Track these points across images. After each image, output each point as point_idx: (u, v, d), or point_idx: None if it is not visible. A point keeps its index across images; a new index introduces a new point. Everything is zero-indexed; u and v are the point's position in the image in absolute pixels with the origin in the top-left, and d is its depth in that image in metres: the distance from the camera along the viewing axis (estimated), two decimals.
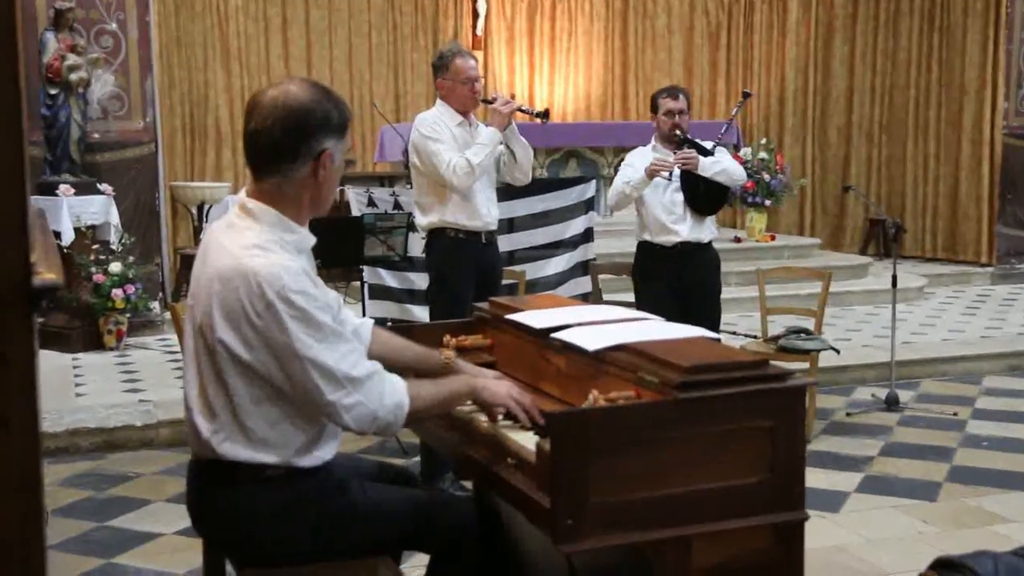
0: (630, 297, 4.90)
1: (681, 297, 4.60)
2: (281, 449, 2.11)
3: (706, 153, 4.64)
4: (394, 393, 2.11)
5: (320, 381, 2.03)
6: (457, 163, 4.09)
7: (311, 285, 2.06)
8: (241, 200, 2.16)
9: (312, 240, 2.18)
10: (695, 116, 10.60)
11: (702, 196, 4.69)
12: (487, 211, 4.28)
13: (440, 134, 4.17)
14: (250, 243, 2.06)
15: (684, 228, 4.67)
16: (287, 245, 2.09)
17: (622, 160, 5.26)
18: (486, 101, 4.31)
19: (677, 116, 4.67)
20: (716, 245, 4.90)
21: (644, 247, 4.80)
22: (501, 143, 4.22)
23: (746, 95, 5.37)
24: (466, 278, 4.22)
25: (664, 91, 4.79)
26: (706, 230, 4.75)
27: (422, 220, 4.34)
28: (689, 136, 4.72)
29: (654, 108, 4.77)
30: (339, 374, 2.04)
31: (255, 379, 2.06)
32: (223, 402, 2.09)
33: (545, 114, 4.42)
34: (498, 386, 2.23)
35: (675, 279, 4.66)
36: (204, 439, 2.12)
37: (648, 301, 4.54)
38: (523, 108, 4.34)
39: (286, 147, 2.07)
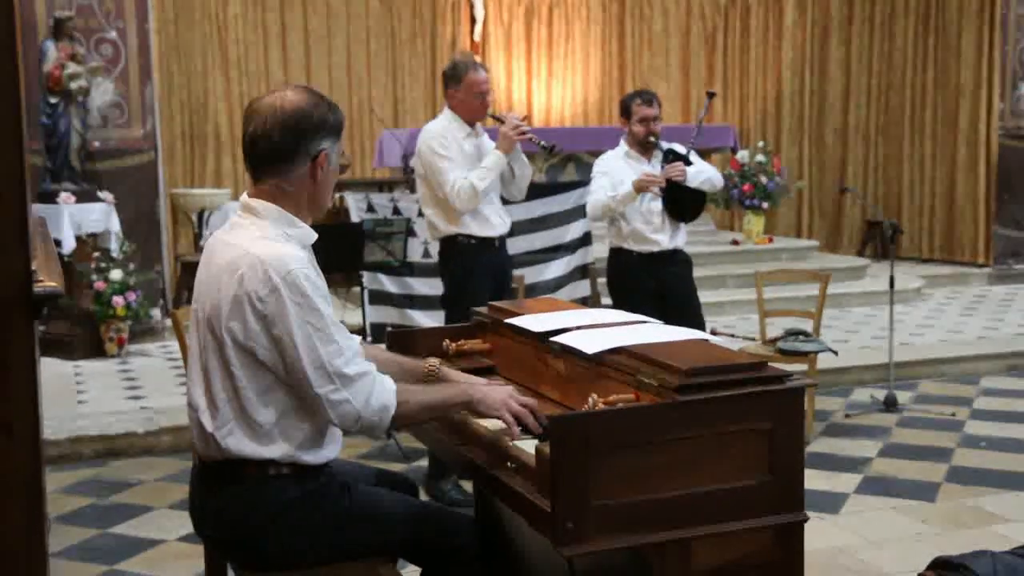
0: None
1: (660, 301, 4.61)
2: (286, 442, 2.13)
3: (686, 161, 4.66)
4: (382, 395, 2.12)
5: (311, 372, 2.06)
6: (462, 186, 4.10)
7: (315, 274, 2.12)
8: (243, 201, 2.21)
9: (314, 236, 2.23)
10: (693, 119, 10.65)
11: (687, 205, 4.71)
12: (498, 220, 4.31)
13: (449, 150, 4.16)
14: (255, 235, 2.13)
15: (664, 237, 4.70)
16: (291, 238, 2.15)
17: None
18: (496, 118, 4.30)
19: (652, 123, 4.67)
20: (714, 248, 4.93)
21: (620, 254, 4.78)
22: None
23: (711, 95, 5.34)
24: (484, 282, 4.22)
25: (638, 96, 4.73)
26: (681, 235, 4.80)
27: (433, 230, 4.34)
28: (662, 141, 4.73)
29: (626, 113, 4.73)
30: (330, 368, 2.07)
31: (260, 368, 2.10)
32: (229, 395, 2.12)
33: (552, 148, 4.35)
34: (495, 395, 2.20)
35: (652, 282, 4.68)
36: (209, 434, 2.14)
37: (629, 308, 4.56)
38: (533, 138, 4.25)
39: (285, 148, 2.14)
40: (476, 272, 4.24)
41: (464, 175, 4.13)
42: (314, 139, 2.15)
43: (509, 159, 4.24)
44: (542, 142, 4.32)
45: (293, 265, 2.07)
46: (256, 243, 2.10)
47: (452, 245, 4.29)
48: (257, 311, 2.06)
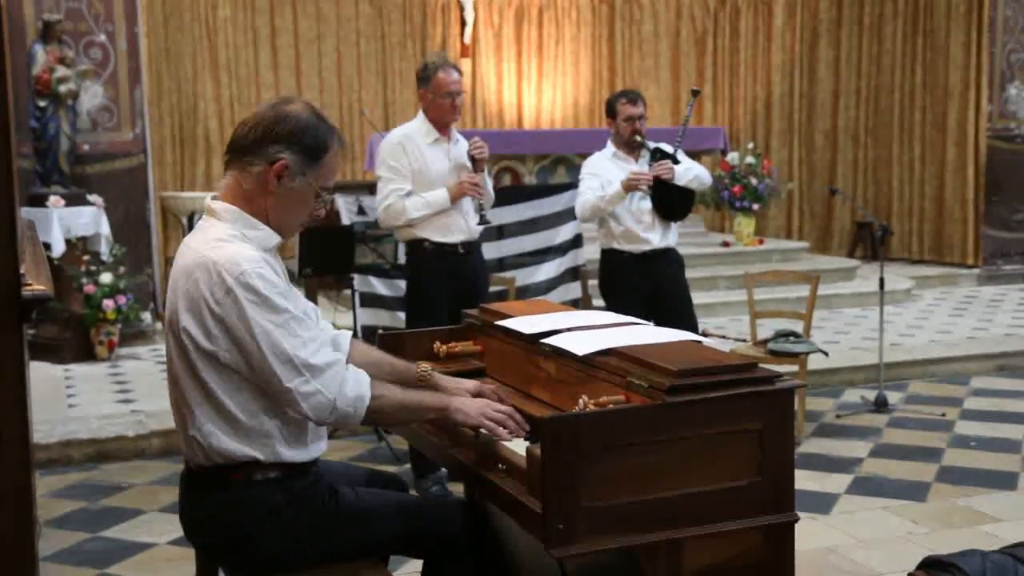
0: None
1: (652, 301, 4.62)
2: (267, 439, 2.12)
3: (673, 159, 4.67)
4: (357, 386, 2.11)
5: (278, 367, 2.05)
6: (393, 205, 4.17)
7: (271, 272, 2.09)
8: (206, 204, 2.20)
9: (276, 239, 2.19)
10: (680, 121, 10.67)
11: (676, 203, 4.72)
12: (463, 225, 4.29)
13: (400, 161, 4.19)
14: (211, 238, 2.11)
15: (655, 236, 4.71)
16: (249, 240, 2.12)
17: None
18: (472, 159, 4.22)
19: (637, 122, 4.69)
20: (704, 249, 4.94)
21: (612, 254, 4.79)
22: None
23: (695, 92, 5.35)
24: (438, 285, 4.24)
25: (623, 96, 4.76)
26: (672, 234, 4.81)
27: (398, 233, 4.41)
28: (648, 141, 4.74)
29: (612, 113, 4.75)
30: (297, 361, 2.05)
31: (224, 370, 2.08)
32: (202, 397, 2.11)
33: (482, 217, 4.31)
34: (471, 406, 2.20)
35: (644, 282, 4.69)
36: (191, 437, 2.14)
37: (621, 309, 4.56)
38: (483, 206, 4.27)
39: (250, 142, 2.13)
40: (432, 274, 4.25)
41: (406, 190, 4.16)
42: (279, 145, 2.11)
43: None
44: (484, 212, 4.30)
45: (246, 265, 2.04)
46: (210, 246, 2.09)
47: (412, 248, 4.34)
48: (215, 314, 2.05)
